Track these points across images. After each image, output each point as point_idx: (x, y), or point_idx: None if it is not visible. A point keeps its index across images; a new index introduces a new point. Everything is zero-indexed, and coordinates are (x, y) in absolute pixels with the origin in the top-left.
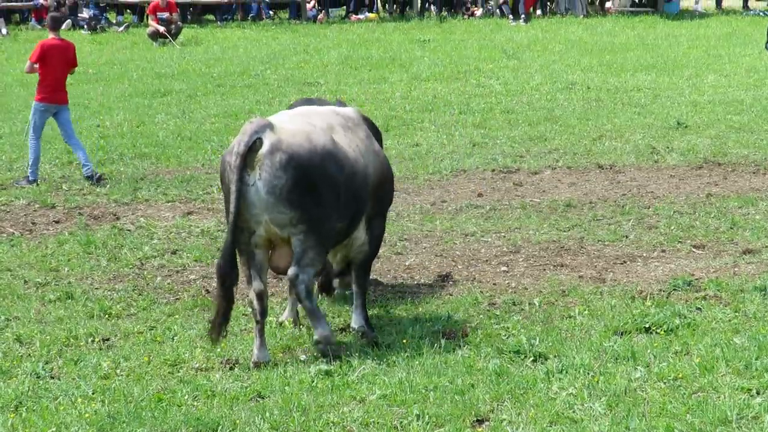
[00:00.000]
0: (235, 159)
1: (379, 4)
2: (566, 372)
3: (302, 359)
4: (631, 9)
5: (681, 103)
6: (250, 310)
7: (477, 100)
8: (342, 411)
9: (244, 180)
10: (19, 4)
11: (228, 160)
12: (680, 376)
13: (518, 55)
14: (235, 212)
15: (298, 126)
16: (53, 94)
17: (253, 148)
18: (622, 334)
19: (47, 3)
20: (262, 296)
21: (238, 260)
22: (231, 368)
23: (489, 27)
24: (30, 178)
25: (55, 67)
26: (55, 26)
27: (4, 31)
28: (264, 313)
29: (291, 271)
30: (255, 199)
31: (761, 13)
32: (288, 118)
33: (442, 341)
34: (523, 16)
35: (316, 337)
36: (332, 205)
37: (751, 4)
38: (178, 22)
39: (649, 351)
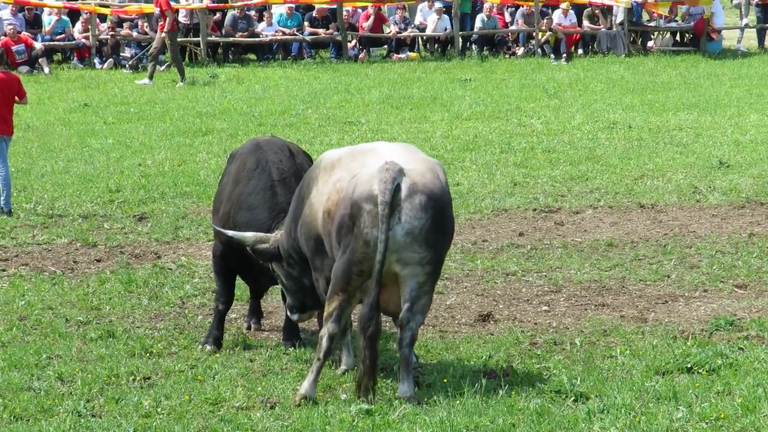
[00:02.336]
0: (382, 208)
1: (420, 44)
2: (607, 412)
3: (343, 398)
4: (673, 48)
5: (723, 142)
6: (319, 346)
7: (518, 140)
8: None
9: (381, 227)
10: (61, 43)
11: (365, 208)
12: (722, 416)
13: (559, 95)
14: (382, 259)
15: (420, 165)
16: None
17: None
18: (663, 374)
19: (89, 43)
20: (333, 338)
21: (329, 295)
22: (272, 407)
23: (530, 66)
24: (5, 209)
25: (1, 100)
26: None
27: (46, 70)
28: (328, 354)
29: (403, 315)
30: (390, 243)
31: None
32: (400, 155)
33: (483, 381)
34: (564, 55)
35: (405, 393)
36: (447, 247)
37: None
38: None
39: (690, 391)
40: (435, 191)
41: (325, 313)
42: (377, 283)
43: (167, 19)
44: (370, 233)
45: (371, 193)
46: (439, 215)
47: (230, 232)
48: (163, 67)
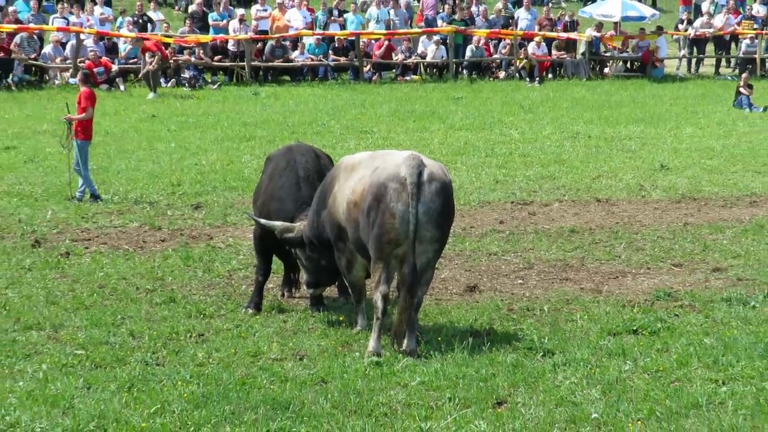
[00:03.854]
0: (411, 189)
1: (422, 69)
2: (569, 365)
3: (357, 355)
4: (624, 73)
5: (664, 149)
6: (376, 308)
7: (500, 146)
8: (389, 394)
9: (407, 204)
10: (134, 66)
11: (391, 186)
12: (661, 369)
13: (533, 110)
14: (414, 229)
15: (433, 162)
16: (91, 132)
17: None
18: (614, 334)
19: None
20: (386, 298)
21: (373, 265)
22: (300, 359)
23: (510, 87)
24: (95, 194)
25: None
26: (88, 80)
27: (122, 87)
28: (385, 312)
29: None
30: (412, 220)
31: (729, 78)
32: (415, 153)
33: (470, 339)
34: (537, 78)
35: (408, 348)
36: (449, 231)
37: (722, 70)
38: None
39: (636, 348)
40: (446, 181)
41: (373, 281)
42: (412, 250)
43: (159, 51)
44: (395, 206)
45: (397, 174)
46: (447, 202)
47: (262, 221)
48: (215, 86)
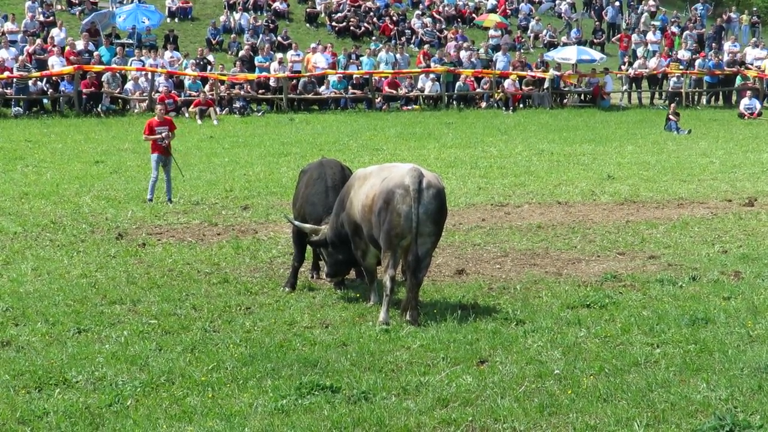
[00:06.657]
0: (413, 194)
1: (421, 100)
2: (537, 332)
3: (370, 324)
4: (579, 104)
5: (610, 163)
6: (385, 287)
7: (482, 161)
8: (395, 354)
9: (410, 206)
10: (195, 97)
11: (398, 192)
12: (608, 335)
13: (508, 132)
14: (416, 225)
15: (430, 173)
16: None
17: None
18: (572, 308)
19: (214, 97)
20: (393, 279)
21: (383, 254)
22: (326, 327)
23: (490, 114)
24: (172, 199)
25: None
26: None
27: (186, 114)
28: (393, 290)
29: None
30: (414, 218)
31: (661, 108)
32: (416, 165)
33: (459, 311)
34: (511, 108)
35: (409, 318)
36: (443, 227)
37: (655, 101)
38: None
39: (588, 319)
40: (440, 188)
41: (383, 266)
42: (415, 242)
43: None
44: (400, 208)
45: (402, 182)
46: (441, 204)
47: (296, 223)
48: (260, 114)
